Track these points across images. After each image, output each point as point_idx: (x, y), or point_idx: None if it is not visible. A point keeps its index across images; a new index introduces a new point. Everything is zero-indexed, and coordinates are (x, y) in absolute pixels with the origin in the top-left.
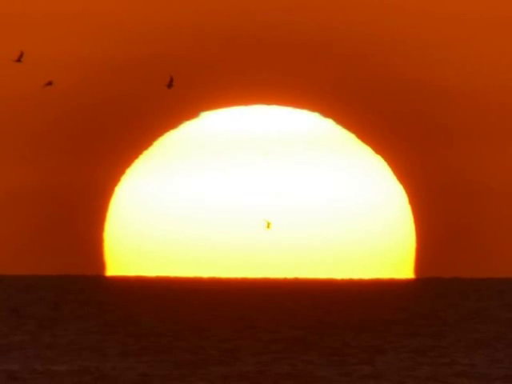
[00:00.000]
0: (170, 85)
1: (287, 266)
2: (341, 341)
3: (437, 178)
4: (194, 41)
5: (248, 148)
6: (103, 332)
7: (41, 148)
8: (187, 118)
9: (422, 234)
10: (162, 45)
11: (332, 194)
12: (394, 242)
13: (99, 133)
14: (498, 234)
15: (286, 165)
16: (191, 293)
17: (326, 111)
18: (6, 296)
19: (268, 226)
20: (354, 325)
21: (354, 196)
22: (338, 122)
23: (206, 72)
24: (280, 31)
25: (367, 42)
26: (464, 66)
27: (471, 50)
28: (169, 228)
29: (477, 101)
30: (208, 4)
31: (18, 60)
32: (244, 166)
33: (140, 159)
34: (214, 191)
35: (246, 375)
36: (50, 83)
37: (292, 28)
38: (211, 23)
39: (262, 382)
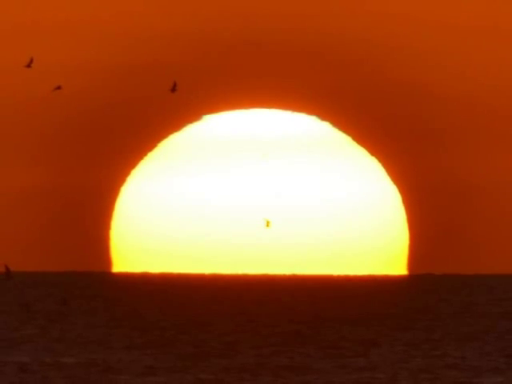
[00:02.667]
0: (173, 89)
1: (286, 262)
2: (337, 334)
3: (429, 179)
4: (196, 48)
5: (248, 149)
6: (109, 326)
7: (49, 150)
8: (190, 120)
9: (414, 233)
10: (165, 51)
11: (328, 193)
12: (387, 240)
13: (106, 135)
14: (487, 232)
15: (284, 166)
16: (194, 288)
17: (323, 115)
18: (17, 291)
19: (267, 225)
20: (350, 319)
21: (350, 196)
22: (335, 124)
23: (208, 77)
24: (279, 38)
25: (362, 48)
26: (455, 72)
27: (463, 56)
28: (172, 226)
29: (468, 105)
30: (210, 13)
31: (28, 65)
32: (244, 167)
33: (145, 160)
34: (216, 191)
35: (246, 367)
36: (58, 88)
37: (290, 35)
38: (213, 31)
39: (262, 373)
